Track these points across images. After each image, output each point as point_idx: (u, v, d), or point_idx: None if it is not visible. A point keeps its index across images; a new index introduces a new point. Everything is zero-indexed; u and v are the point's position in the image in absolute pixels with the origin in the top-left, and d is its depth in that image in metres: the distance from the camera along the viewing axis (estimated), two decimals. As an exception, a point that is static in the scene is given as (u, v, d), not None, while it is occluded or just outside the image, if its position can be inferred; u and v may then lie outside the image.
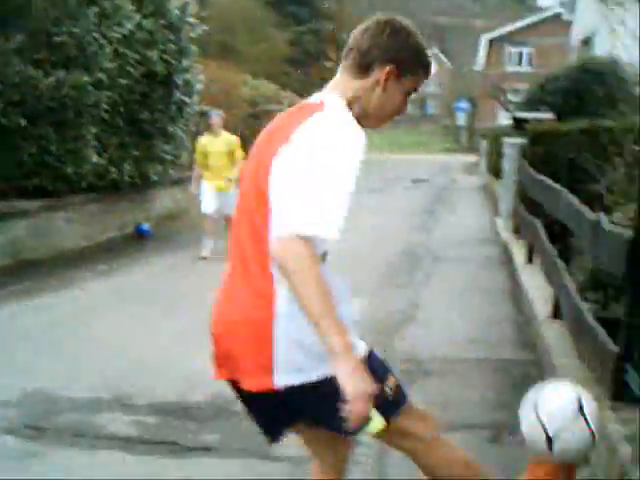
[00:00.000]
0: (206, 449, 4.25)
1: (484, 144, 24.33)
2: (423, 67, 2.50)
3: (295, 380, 2.35)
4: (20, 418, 4.62)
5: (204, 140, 10.29)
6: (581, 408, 2.52)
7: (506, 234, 11.23)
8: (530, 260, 8.31)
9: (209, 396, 4.96)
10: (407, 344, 6.26)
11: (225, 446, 4.29)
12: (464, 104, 49.12)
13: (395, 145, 46.68)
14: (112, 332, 6.41)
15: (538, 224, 7.50)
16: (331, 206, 2.23)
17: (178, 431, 4.47)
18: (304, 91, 23.94)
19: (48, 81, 9.64)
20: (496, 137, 17.92)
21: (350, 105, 2.42)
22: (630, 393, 3.50)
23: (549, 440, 2.52)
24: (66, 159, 10.19)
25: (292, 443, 4.31)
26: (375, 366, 2.41)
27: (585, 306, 4.60)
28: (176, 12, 12.45)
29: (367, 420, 2.24)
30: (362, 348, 2.43)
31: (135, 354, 5.83)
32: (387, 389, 2.42)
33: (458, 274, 9.25)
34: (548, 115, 12.97)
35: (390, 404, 2.42)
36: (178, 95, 12.70)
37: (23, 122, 9.44)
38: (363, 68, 2.43)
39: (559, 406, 2.55)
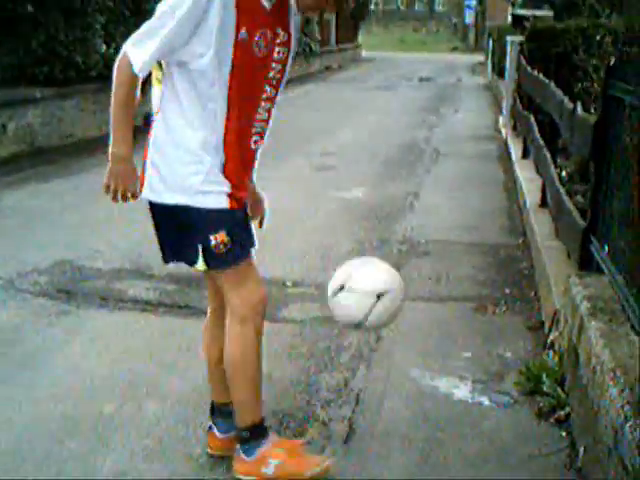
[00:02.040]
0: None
1: (490, 43, 24.27)
2: None
3: (150, 196, 2.82)
4: (51, 283, 5.09)
5: None
6: (380, 297, 2.91)
7: (506, 131, 11.54)
8: (525, 155, 8.67)
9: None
10: (405, 229, 6.69)
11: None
12: (473, 1, 48.34)
13: (402, 43, 46.30)
14: (126, 212, 6.82)
15: (531, 119, 7.84)
16: (148, 45, 2.62)
17: (194, 297, 4.94)
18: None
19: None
20: (501, 35, 17.96)
21: None
22: (595, 263, 3.92)
23: (341, 287, 2.95)
24: (75, 48, 10.40)
25: (297, 308, 4.83)
26: (210, 220, 2.77)
27: (564, 191, 5.01)
28: None
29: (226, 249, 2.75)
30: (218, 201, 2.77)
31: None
32: (212, 240, 2.75)
33: (458, 168, 9.63)
34: (547, 13, 13.10)
35: (211, 254, 2.77)
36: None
37: (30, 8, 9.60)
38: None
39: (372, 278, 2.99)
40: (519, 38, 11.62)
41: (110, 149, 2.75)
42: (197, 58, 2.64)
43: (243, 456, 3.01)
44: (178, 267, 5.35)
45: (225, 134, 2.78)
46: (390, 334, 4.44)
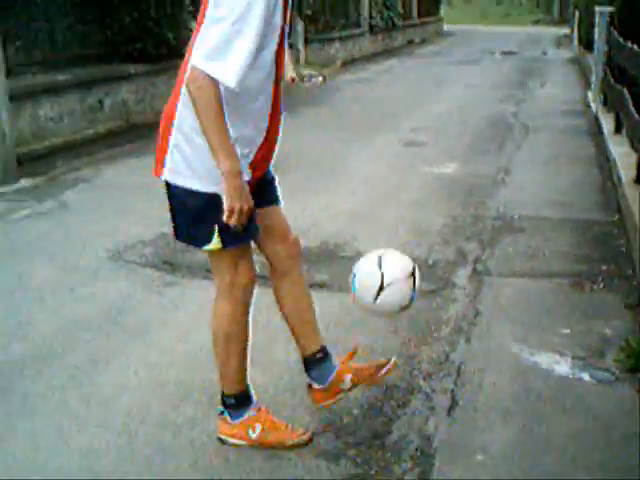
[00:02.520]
0: (320, 285, 4.84)
1: (576, 14, 23.73)
2: None
3: (177, 180, 2.82)
4: (156, 255, 5.29)
5: None
6: (414, 273, 3.08)
7: (596, 105, 11.35)
8: (618, 130, 8.53)
9: (318, 242, 5.55)
10: (498, 204, 6.70)
11: (336, 283, 4.87)
12: (557, -28, 47.18)
13: (484, 16, 45.55)
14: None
15: (625, 92, 7.70)
16: (235, 57, 2.55)
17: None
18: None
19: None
20: (587, 6, 17.55)
21: None
22: None
23: (380, 288, 3.04)
24: (165, 24, 10.60)
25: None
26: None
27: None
28: None
29: (243, 228, 2.74)
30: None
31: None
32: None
33: (547, 143, 9.53)
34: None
35: (228, 233, 2.80)
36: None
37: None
38: None
39: (400, 265, 3.11)
40: (608, 9, 11.36)
41: (223, 168, 2.64)
42: (259, 52, 2.64)
43: (228, 418, 3.16)
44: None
45: (269, 124, 2.86)
46: (488, 309, 4.50)
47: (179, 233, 3.00)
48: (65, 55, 9.49)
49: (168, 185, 2.89)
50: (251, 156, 2.85)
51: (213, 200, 2.76)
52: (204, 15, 2.68)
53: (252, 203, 2.74)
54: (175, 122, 2.81)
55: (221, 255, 2.95)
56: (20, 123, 7.82)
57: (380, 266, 3.13)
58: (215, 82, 2.57)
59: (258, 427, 3.14)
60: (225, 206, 2.68)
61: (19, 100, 7.47)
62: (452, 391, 3.60)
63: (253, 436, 3.14)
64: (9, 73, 7.57)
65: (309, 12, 17.10)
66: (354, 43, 20.11)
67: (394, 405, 3.47)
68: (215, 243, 2.86)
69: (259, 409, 3.20)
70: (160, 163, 2.87)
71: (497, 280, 5.03)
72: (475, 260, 5.33)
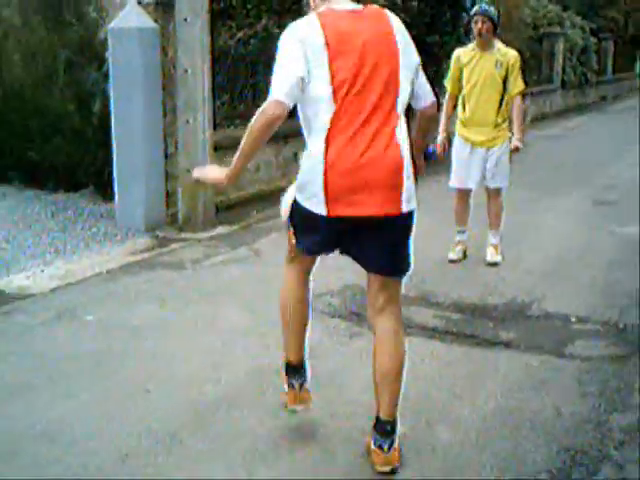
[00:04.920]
0: (506, 344, 4.79)
1: None
2: None
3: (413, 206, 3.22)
4: (343, 305, 5.41)
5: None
6: None
7: None
8: None
9: (505, 299, 5.51)
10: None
11: (522, 342, 4.80)
12: None
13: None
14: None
15: None
16: (275, 80, 3.08)
17: (478, 326, 5.05)
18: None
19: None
20: None
21: None
22: None
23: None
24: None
25: (583, 344, 4.79)
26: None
27: None
28: None
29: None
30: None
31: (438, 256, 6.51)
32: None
33: None
34: None
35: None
36: (466, 17, 12.93)
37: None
38: None
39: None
40: None
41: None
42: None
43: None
44: (461, 296, 5.54)
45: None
46: None
47: (409, 262, 3.34)
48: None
49: (410, 214, 3.23)
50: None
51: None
52: None
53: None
54: (403, 152, 3.17)
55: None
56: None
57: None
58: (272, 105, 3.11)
59: None
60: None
61: (221, 151, 7.89)
62: (646, 463, 3.46)
63: None
64: (215, 126, 8.02)
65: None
66: (545, 98, 19.83)
67: (584, 472, 3.36)
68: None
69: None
70: (397, 201, 3.14)
71: (693, 346, 4.80)
72: (670, 326, 5.11)
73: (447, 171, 6.62)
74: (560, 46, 20.68)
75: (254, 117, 3.09)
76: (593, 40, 23.50)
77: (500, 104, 6.31)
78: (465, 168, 6.42)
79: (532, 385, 4.22)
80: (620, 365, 4.47)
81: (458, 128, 6.52)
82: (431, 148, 14.19)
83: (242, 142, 3.12)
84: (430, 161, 12.73)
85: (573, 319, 5.22)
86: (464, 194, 6.57)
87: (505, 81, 6.29)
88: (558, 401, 4.02)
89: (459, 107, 6.51)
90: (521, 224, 7.64)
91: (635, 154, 12.99)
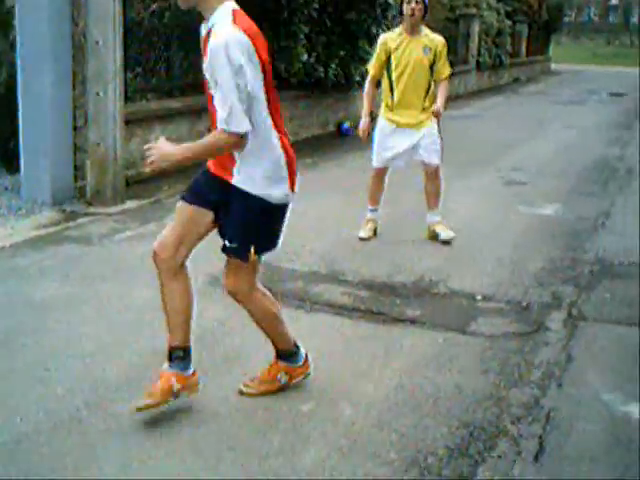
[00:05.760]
0: (412, 321, 4.85)
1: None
2: None
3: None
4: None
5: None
6: None
7: None
8: None
9: (413, 278, 5.57)
10: (597, 249, 6.57)
11: (428, 320, 4.88)
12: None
13: (592, 56, 44.83)
14: (325, 215, 7.09)
15: None
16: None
17: (386, 304, 5.10)
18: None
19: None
20: None
21: None
22: None
23: None
24: (279, 56, 10.80)
25: (487, 322, 4.89)
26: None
27: None
28: None
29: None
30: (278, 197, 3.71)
31: (347, 236, 6.54)
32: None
33: (652, 188, 9.30)
34: None
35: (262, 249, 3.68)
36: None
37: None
38: None
39: None
40: None
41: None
42: None
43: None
44: (370, 274, 5.58)
45: None
46: (581, 355, 4.43)
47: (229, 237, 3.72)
48: (179, 83, 9.80)
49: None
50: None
51: None
52: None
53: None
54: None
55: None
56: (131, 146, 8.10)
57: None
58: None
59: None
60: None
61: (132, 124, 7.74)
62: (540, 437, 3.55)
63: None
64: (127, 99, 7.87)
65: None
66: (460, 79, 20.06)
67: (480, 447, 3.43)
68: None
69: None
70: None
71: (592, 326, 4.94)
72: (570, 304, 5.25)
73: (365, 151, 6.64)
74: (476, 28, 20.99)
75: (225, 137, 3.25)
76: (508, 23, 23.90)
77: (428, 89, 6.37)
78: (389, 149, 6.46)
79: (436, 362, 4.28)
80: (521, 342, 4.58)
81: (384, 112, 6.52)
82: (346, 125, 14.22)
83: (202, 147, 3.37)
84: (344, 137, 12.74)
85: (478, 297, 5.31)
86: (381, 173, 6.62)
87: (432, 66, 6.35)
88: (460, 378, 4.09)
89: (384, 91, 6.51)
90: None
91: (546, 136, 13.29)
